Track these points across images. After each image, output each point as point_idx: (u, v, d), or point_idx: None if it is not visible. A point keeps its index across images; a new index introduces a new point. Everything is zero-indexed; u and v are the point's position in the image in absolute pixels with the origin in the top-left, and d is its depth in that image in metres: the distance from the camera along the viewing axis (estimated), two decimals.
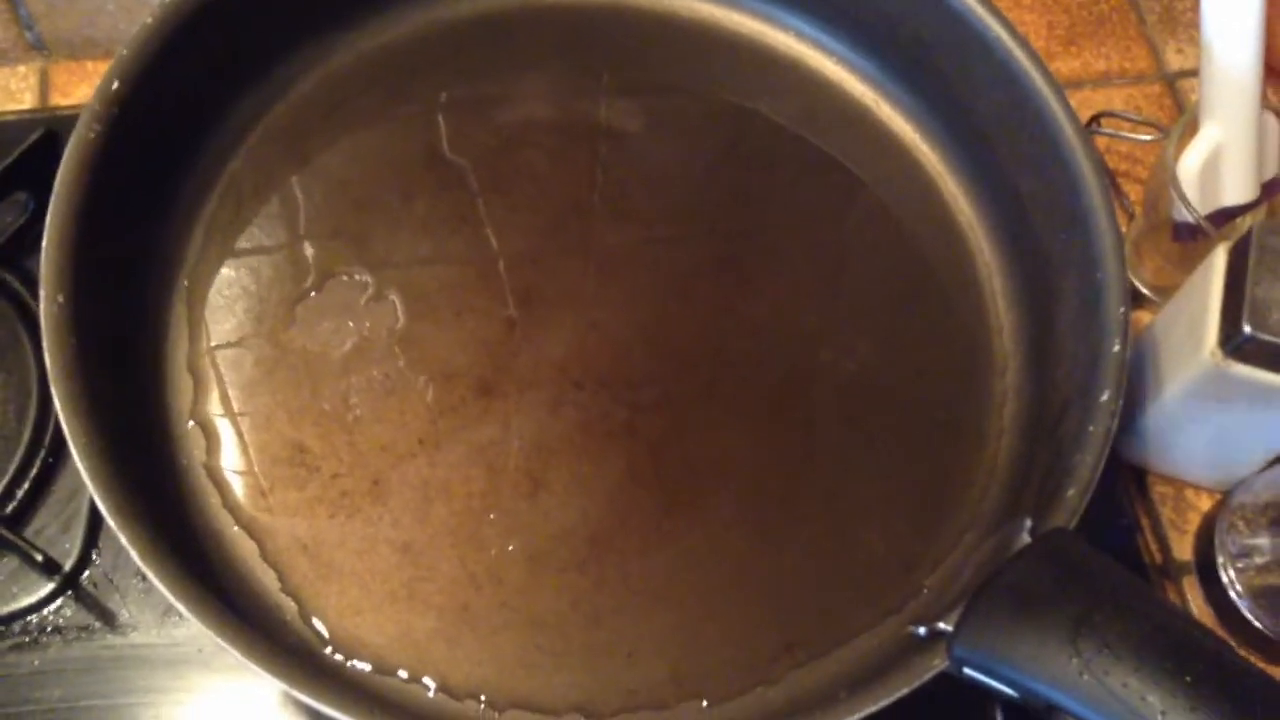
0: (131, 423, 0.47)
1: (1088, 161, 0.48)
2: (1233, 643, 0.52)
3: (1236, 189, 0.54)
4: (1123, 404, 0.45)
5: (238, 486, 0.49)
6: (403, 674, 0.45)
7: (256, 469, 0.49)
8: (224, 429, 0.50)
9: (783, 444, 0.51)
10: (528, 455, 0.49)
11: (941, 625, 0.39)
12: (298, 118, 0.57)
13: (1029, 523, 0.41)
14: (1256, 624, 0.51)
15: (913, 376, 0.52)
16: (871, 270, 0.55)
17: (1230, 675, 0.36)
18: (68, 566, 0.51)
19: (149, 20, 0.50)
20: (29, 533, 0.51)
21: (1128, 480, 0.56)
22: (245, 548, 0.47)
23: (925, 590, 0.47)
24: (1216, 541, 0.52)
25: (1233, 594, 0.51)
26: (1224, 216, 0.54)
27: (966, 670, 0.38)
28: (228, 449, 0.49)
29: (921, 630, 0.40)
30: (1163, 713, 0.35)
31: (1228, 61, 0.51)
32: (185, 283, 0.52)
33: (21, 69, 0.66)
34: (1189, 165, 0.53)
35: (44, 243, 0.46)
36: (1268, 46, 0.51)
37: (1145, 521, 0.55)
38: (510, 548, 0.48)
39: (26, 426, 0.53)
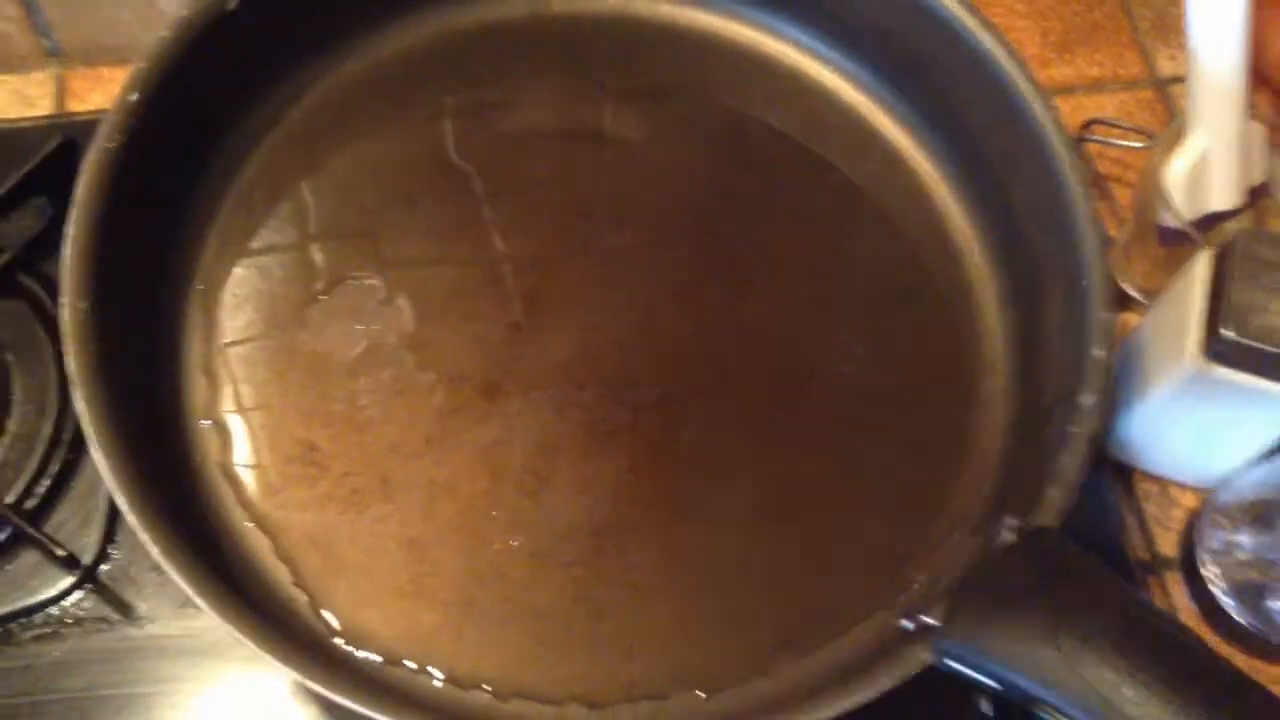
0: (148, 422, 0.49)
1: (1073, 171, 0.49)
2: (1215, 637, 0.53)
3: (1222, 195, 0.55)
4: (1110, 404, 0.46)
5: (251, 483, 0.50)
6: (410, 664, 0.47)
7: (269, 467, 0.50)
8: (237, 428, 0.51)
9: (780, 443, 0.52)
10: (531, 454, 0.51)
11: (928, 619, 0.41)
12: (309, 125, 0.58)
13: (1015, 521, 0.42)
14: (1238, 619, 0.52)
15: (906, 378, 0.54)
16: (867, 274, 0.56)
17: (1204, 669, 0.38)
18: (87, 560, 0.52)
19: (165, 34, 0.51)
20: (49, 528, 0.53)
21: (1114, 478, 0.57)
22: (258, 543, 0.49)
23: (915, 585, 0.48)
24: (1199, 538, 0.54)
25: (1215, 589, 0.53)
26: (1210, 222, 0.55)
27: (951, 663, 0.40)
28: (241, 447, 0.51)
29: (909, 624, 0.42)
30: (1137, 704, 0.36)
31: (1213, 70, 0.52)
32: (200, 286, 0.54)
33: (39, 75, 0.67)
34: (1176, 172, 0.54)
35: (64, 250, 0.47)
36: (1255, 55, 0.52)
37: (1131, 518, 0.57)
38: (514, 544, 0.49)
39: (46, 425, 0.55)
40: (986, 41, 0.52)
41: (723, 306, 0.55)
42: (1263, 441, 0.51)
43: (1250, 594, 0.52)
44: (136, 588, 0.52)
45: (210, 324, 0.53)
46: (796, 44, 0.60)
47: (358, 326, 0.53)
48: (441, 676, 0.47)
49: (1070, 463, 0.44)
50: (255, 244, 0.55)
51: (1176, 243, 0.56)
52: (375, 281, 0.55)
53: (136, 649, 0.51)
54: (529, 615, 0.48)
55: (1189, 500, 0.57)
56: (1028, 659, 0.38)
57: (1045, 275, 0.51)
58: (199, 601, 0.42)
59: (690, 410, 0.52)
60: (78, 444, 0.54)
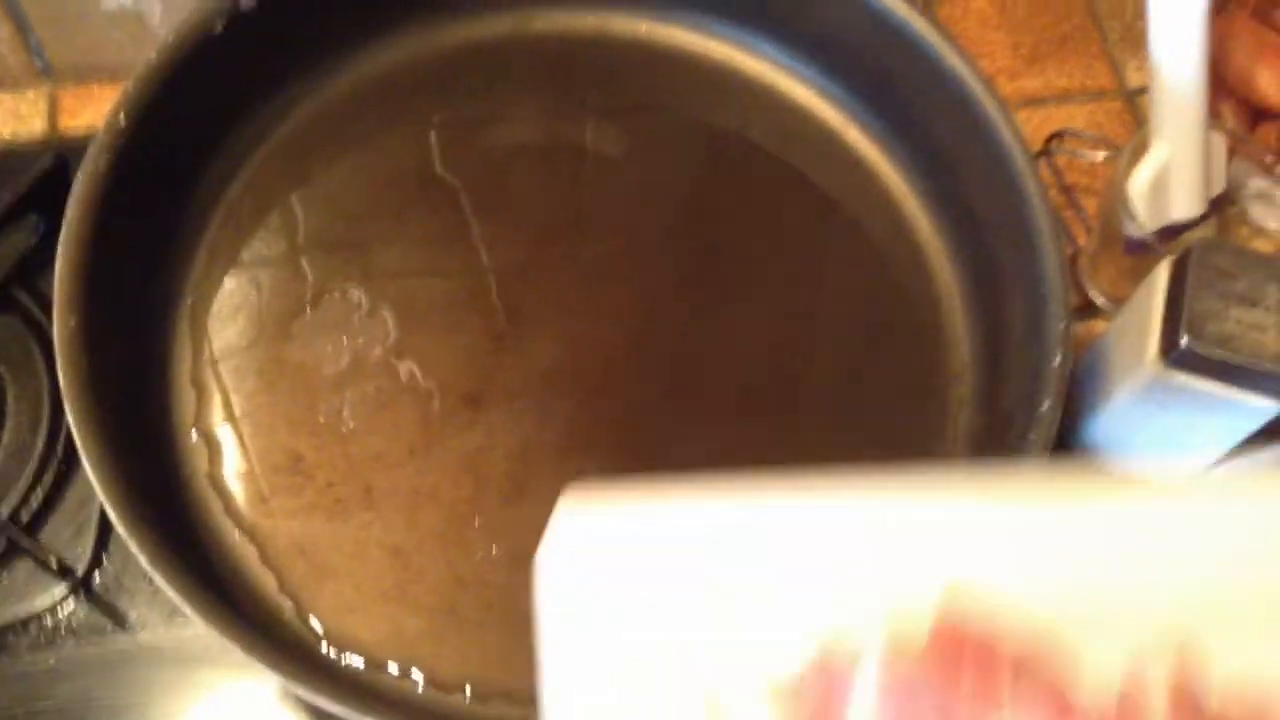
0: (139, 435, 0.50)
1: (1033, 185, 0.50)
2: None
3: (1184, 205, 0.56)
4: (1070, 411, 0.47)
5: (239, 494, 0.52)
6: (394, 669, 0.48)
7: (256, 477, 0.52)
8: (225, 439, 0.53)
9: (756, 450, 0.53)
10: (513, 462, 0.52)
11: None
12: (297, 141, 0.59)
13: None
14: None
15: (878, 387, 0.55)
16: (840, 284, 0.58)
17: None
18: (80, 570, 0.53)
19: (153, 56, 0.53)
20: (44, 539, 0.54)
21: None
22: (246, 551, 0.50)
23: None
24: None
25: None
26: (1172, 232, 0.56)
27: None
28: (229, 458, 0.52)
29: None
30: None
31: (1174, 81, 0.53)
32: (189, 300, 0.55)
33: (30, 94, 0.68)
34: (1139, 182, 0.55)
35: (57, 268, 0.48)
36: (1218, 65, 0.53)
37: None
38: (494, 550, 0.51)
39: (40, 438, 0.56)
40: (951, 59, 0.54)
41: (701, 317, 0.57)
42: (1221, 446, 0.52)
43: None
44: (129, 597, 0.53)
45: (199, 337, 0.55)
46: (772, 61, 0.62)
47: (344, 338, 0.55)
48: (424, 680, 0.48)
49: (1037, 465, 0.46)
50: (243, 258, 0.57)
51: (1141, 252, 0.57)
52: (361, 294, 0.56)
53: (129, 657, 0.52)
54: (509, 620, 0.49)
55: None
56: None
57: (1008, 285, 0.52)
58: (188, 610, 0.44)
59: (667, 417, 0.54)
60: (70, 456, 0.55)
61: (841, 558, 0.29)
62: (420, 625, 0.49)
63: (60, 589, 0.53)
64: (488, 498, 0.52)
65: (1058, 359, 0.47)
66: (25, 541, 0.53)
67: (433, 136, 0.60)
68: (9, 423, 0.56)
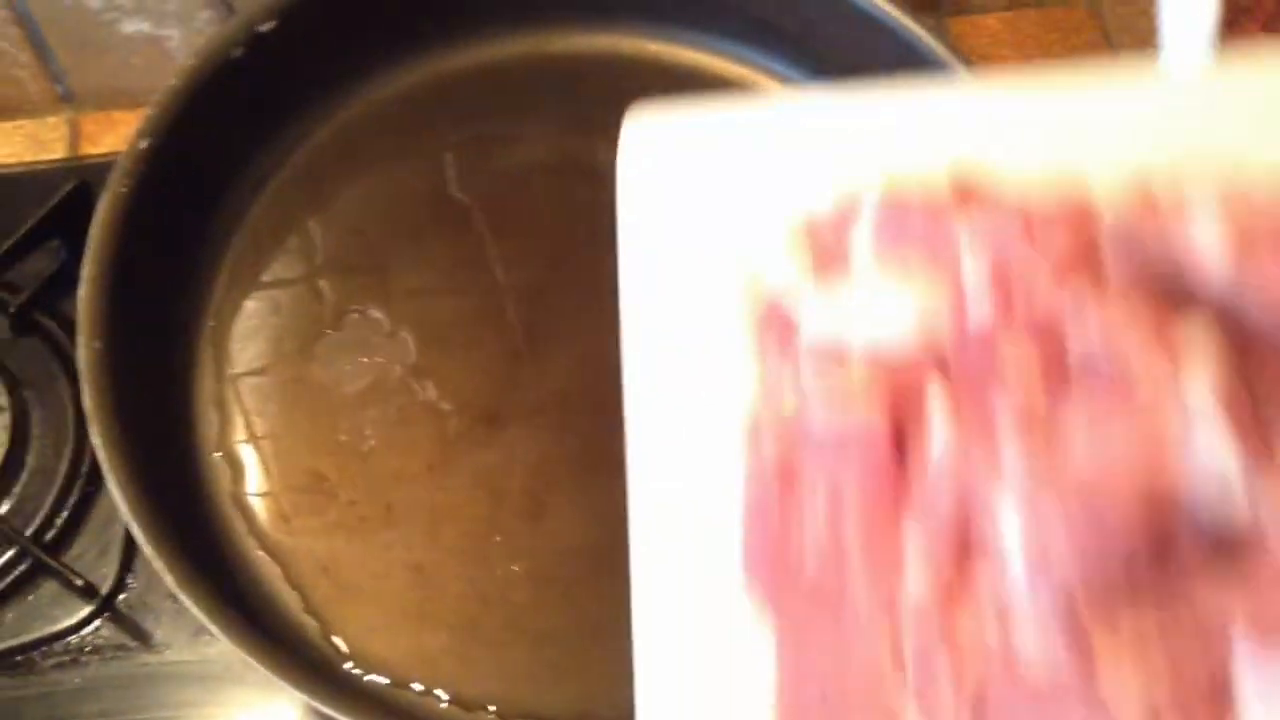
0: (162, 455, 0.51)
1: None
2: None
3: None
4: None
5: (262, 513, 0.52)
6: (417, 687, 0.49)
7: (279, 496, 0.52)
8: (248, 459, 0.53)
9: None
10: (531, 479, 0.53)
11: None
12: (314, 164, 0.60)
13: None
14: None
15: None
16: None
17: None
18: (105, 590, 0.54)
19: (173, 81, 0.53)
20: (68, 558, 0.54)
21: None
22: (269, 570, 0.51)
23: None
24: None
25: None
26: None
27: None
28: (252, 478, 0.53)
29: None
30: None
31: None
32: (211, 322, 0.56)
33: (52, 120, 0.69)
34: None
35: (80, 292, 0.49)
36: None
37: None
38: (515, 568, 0.51)
39: (64, 459, 0.56)
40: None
41: None
42: None
43: None
44: (153, 616, 0.54)
45: (221, 358, 0.55)
46: (781, 77, 0.62)
47: (364, 359, 0.55)
48: (447, 698, 0.48)
49: None
50: (264, 280, 0.57)
51: None
52: (380, 315, 0.57)
53: (153, 675, 0.53)
54: (532, 637, 0.49)
55: None
56: None
57: None
58: (213, 629, 0.44)
59: None
60: (95, 477, 0.56)
61: (864, 139, 0.33)
62: (443, 643, 0.49)
63: (85, 608, 0.54)
64: (507, 515, 0.52)
65: None
66: (50, 561, 0.53)
67: (448, 158, 0.61)
68: (34, 445, 0.57)
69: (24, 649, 0.53)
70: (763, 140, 0.35)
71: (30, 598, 0.54)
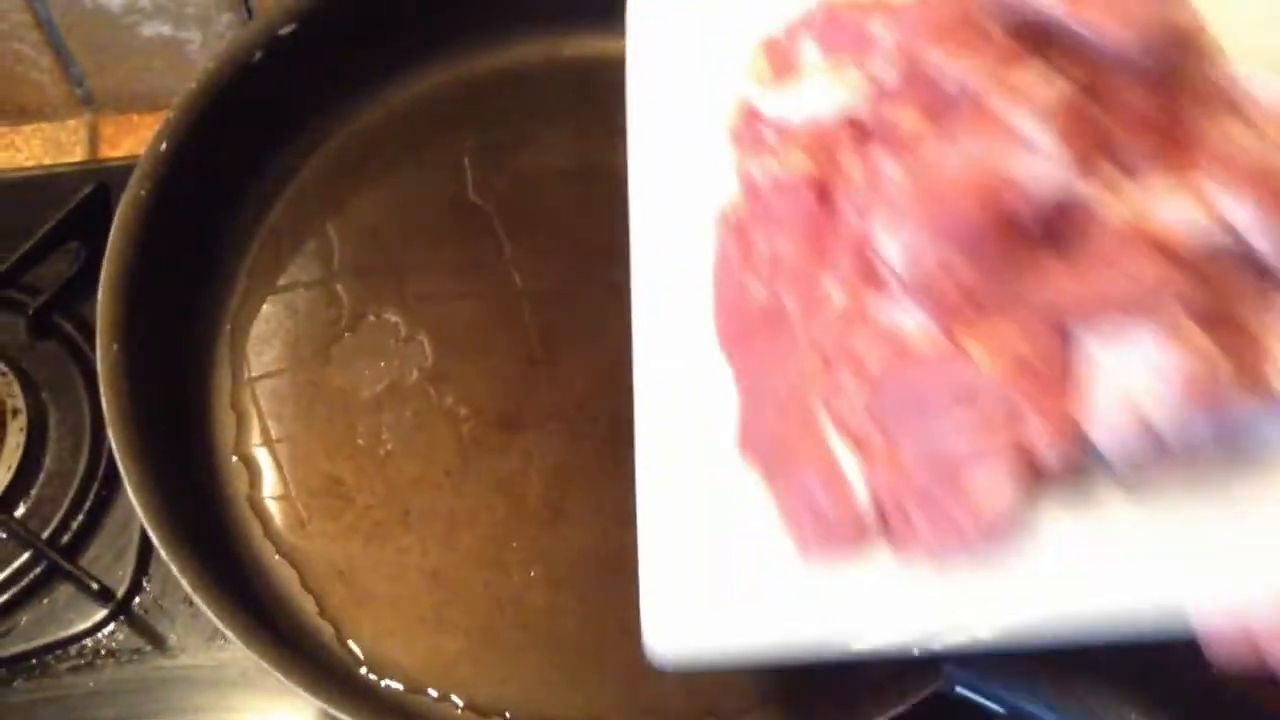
0: (179, 459, 0.51)
1: None
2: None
3: None
4: None
5: (278, 517, 0.52)
6: (432, 693, 0.48)
7: (295, 500, 0.52)
8: (265, 463, 0.53)
9: None
10: (548, 485, 0.52)
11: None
12: (333, 167, 0.60)
13: None
14: None
15: None
16: None
17: (1206, 695, 0.39)
18: (120, 593, 0.54)
19: (193, 85, 0.53)
20: (84, 561, 0.54)
21: None
22: (286, 575, 0.51)
23: None
24: None
25: None
26: None
27: (959, 688, 0.41)
28: (268, 482, 0.53)
29: (916, 649, 0.42)
30: None
31: None
32: (229, 326, 0.56)
33: (72, 123, 0.69)
34: None
35: (99, 295, 0.49)
36: None
37: None
38: (531, 573, 0.50)
39: (81, 461, 0.56)
40: None
41: None
42: None
43: None
44: (169, 619, 0.54)
45: (239, 361, 0.55)
46: None
47: (381, 363, 0.55)
48: (462, 704, 0.48)
49: None
50: (282, 284, 0.57)
51: None
52: (397, 319, 0.56)
53: (168, 679, 0.53)
54: (548, 642, 0.49)
55: None
56: (1037, 685, 0.39)
57: None
58: (229, 634, 0.44)
59: None
60: (111, 480, 0.56)
61: None
62: (459, 648, 0.49)
63: (100, 612, 0.54)
64: (524, 520, 0.52)
65: None
66: (66, 564, 0.53)
67: (466, 162, 0.61)
68: (51, 447, 0.57)
69: (39, 652, 0.53)
70: None
71: (45, 601, 0.54)
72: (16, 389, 0.57)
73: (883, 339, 0.32)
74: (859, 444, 0.33)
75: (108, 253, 0.50)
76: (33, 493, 0.56)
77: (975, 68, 0.31)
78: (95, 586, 0.53)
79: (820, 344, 0.34)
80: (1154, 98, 0.32)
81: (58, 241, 0.60)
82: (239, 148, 0.56)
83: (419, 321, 0.56)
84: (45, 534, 0.54)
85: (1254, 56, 0.33)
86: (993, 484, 0.31)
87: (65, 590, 0.54)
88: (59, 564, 0.53)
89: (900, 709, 0.42)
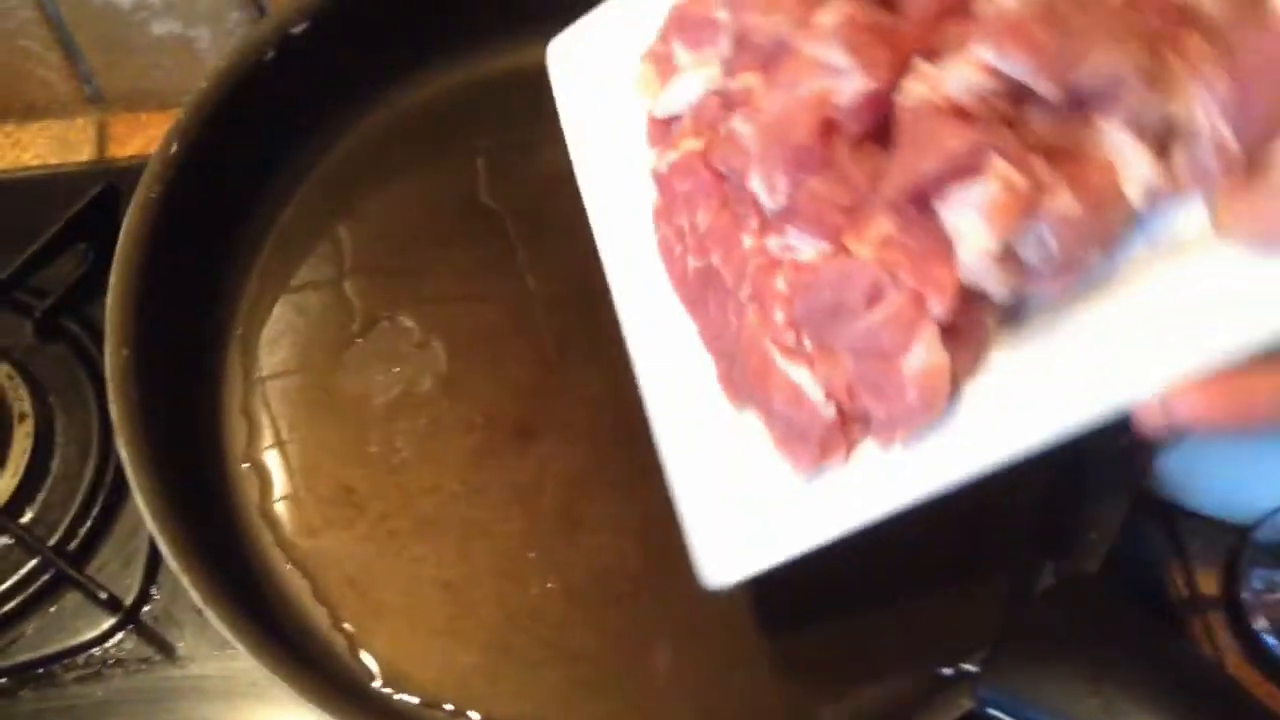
0: (189, 466, 0.50)
1: None
2: (1259, 677, 0.52)
3: None
4: (1150, 445, 0.46)
5: (289, 526, 0.51)
6: (448, 707, 0.47)
7: (307, 509, 0.51)
8: (276, 470, 0.52)
9: None
10: (564, 495, 0.51)
11: (967, 665, 0.41)
12: (344, 169, 0.59)
13: (1053, 566, 0.42)
14: None
15: None
16: None
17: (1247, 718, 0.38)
18: (128, 601, 0.53)
19: (204, 84, 0.52)
20: (91, 569, 0.53)
21: (1155, 516, 0.56)
22: (297, 585, 0.50)
23: (950, 627, 0.48)
24: (1242, 576, 0.53)
25: (1259, 628, 0.52)
26: None
27: (991, 711, 0.40)
28: (279, 489, 0.52)
29: (947, 670, 0.41)
30: None
31: None
32: (239, 330, 0.55)
33: (80, 121, 0.68)
34: None
35: (108, 299, 0.48)
36: None
37: (1172, 556, 0.56)
38: (549, 585, 0.49)
39: (88, 466, 0.55)
40: None
41: None
42: None
43: None
44: (177, 628, 0.53)
45: (249, 366, 0.54)
46: None
47: (394, 368, 0.54)
48: (478, 718, 0.47)
49: (1112, 506, 0.44)
50: (293, 287, 0.56)
51: None
52: (411, 323, 0.55)
53: (176, 689, 0.52)
54: (564, 657, 0.48)
55: (1230, 537, 0.56)
56: (1069, 708, 0.38)
57: None
58: (241, 647, 0.43)
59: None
60: (119, 486, 0.55)
61: None
62: (474, 662, 0.48)
63: (108, 620, 0.53)
64: (541, 531, 0.51)
65: None
66: (73, 573, 0.52)
67: (479, 163, 0.60)
68: (58, 452, 0.56)
69: (46, 661, 0.52)
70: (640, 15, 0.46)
71: (52, 609, 0.53)
72: (24, 392, 0.56)
73: (789, 269, 0.38)
74: (808, 363, 0.38)
75: (117, 256, 0.49)
76: (39, 498, 0.55)
77: (781, 20, 0.37)
78: (103, 595, 0.52)
79: (751, 292, 0.39)
80: None
81: (65, 243, 0.59)
82: (250, 148, 0.56)
83: (432, 326, 0.55)
84: (52, 541, 0.53)
85: None
86: (923, 362, 0.35)
87: (72, 598, 0.53)
88: (66, 572, 0.52)
89: None
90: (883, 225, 0.35)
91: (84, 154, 0.67)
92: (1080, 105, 0.33)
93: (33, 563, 0.53)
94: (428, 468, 0.52)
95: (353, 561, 0.50)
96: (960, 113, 0.33)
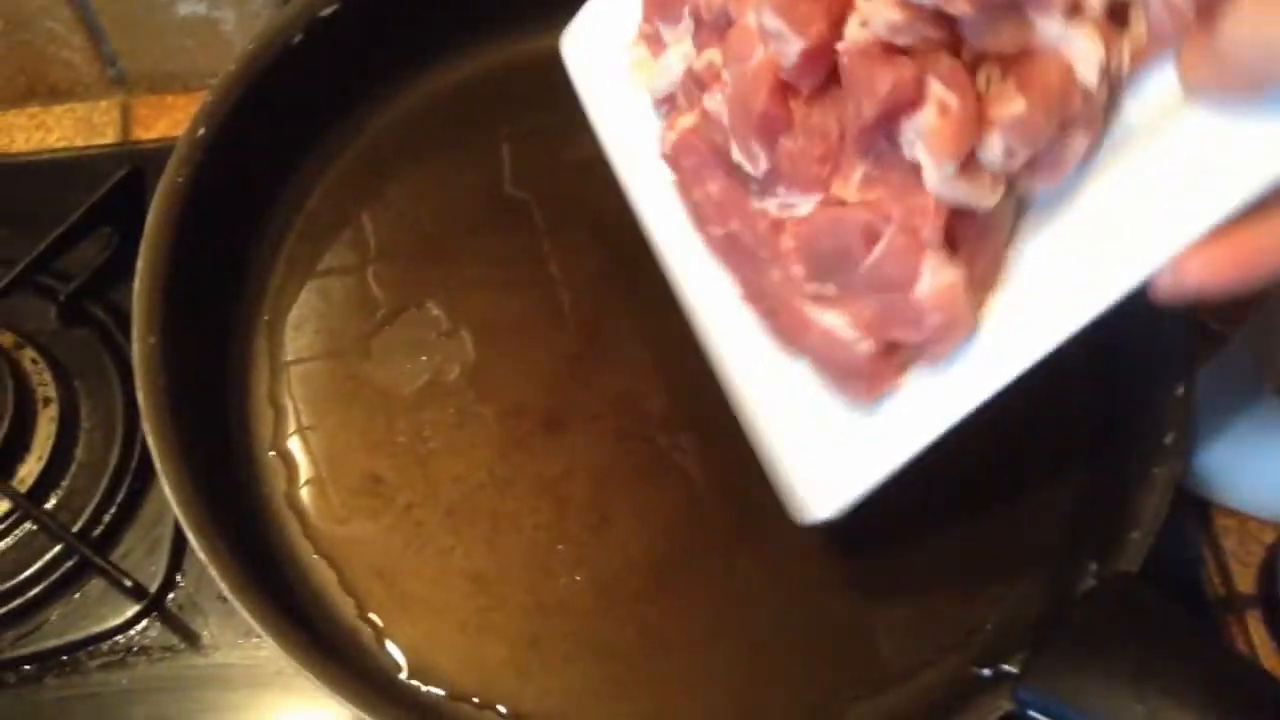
0: (216, 455, 0.49)
1: None
2: None
3: None
4: (1190, 441, 0.45)
5: (316, 515, 0.50)
6: (475, 700, 0.47)
7: (334, 499, 0.50)
8: (303, 459, 0.51)
9: None
10: (594, 487, 0.51)
11: (1006, 667, 0.40)
12: (372, 155, 0.59)
13: (1093, 565, 0.41)
14: None
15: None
16: None
17: None
18: (153, 588, 0.52)
19: (231, 67, 0.52)
20: (116, 556, 0.53)
21: (1191, 513, 0.56)
22: (324, 575, 0.49)
23: (988, 626, 0.47)
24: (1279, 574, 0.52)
25: None
26: None
27: (1031, 713, 0.39)
28: (306, 478, 0.51)
29: (986, 671, 0.41)
30: None
31: None
32: (266, 316, 0.54)
33: (104, 104, 0.68)
34: None
35: (135, 286, 0.48)
36: None
37: (1209, 554, 0.55)
38: (578, 578, 0.49)
39: (113, 453, 0.55)
40: None
41: None
42: None
43: None
44: (202, 616, 0.52)
45: (276, 354, 0.53)
46: None
47: (422, 357, 0.53)
48: (506, 712, 0.47)
49: (1151, 504, 0.43)
50: (319, 273, 0.56)
51: None
52: (439, 311, 0.55)
53: (201, 678, 0.51)
54: (594, 651, 0.47)
55: (1268, 535, 0.55)
56: (1111, 712, 0.37)
57: (1125, 310, 0.50)
58: (266, 636, 0.43)
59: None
60: (144, 471, 0.55)
61: None
62: (502, 655, 0.47)
63: (132, 608, 0.52)
64: (569, 523, 0.50)
65: (1181, 388, 0.44)
66: (97, 559, 0.52)
67: (505, 150, 0.59)
68: (83, 438, 0.56)
69: (70, 648, 0.52)
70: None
71: (76, 596, 0.53)
72: (48, 377, 0.56)
73: (791, 226, 0.40)
74: (835, 307, 0.40)
75: (144, 243, 0.48)
76: (64, 484, 0.55)
77: None
78: (128, 582, 0.51)
79: (769, 252, 0.41)
80: None
81: (90, 226, 0.58)
82: (277, 132, 0.55)
83: (460, 315, 0.54)
84: (76, 527, 0.53)
85: None
86: (933, 285, 0.37)
87: (96, 585, 0.53)
88: (90, 559, 0.52)
89: None
90: (860, 167, 0.37)
91: (108, 136, 0.67)
92: (1016, 7, 0.34)
93: (56, 549, 0.53)
94: (456, 458, 0.51)
95: (380, 552, 0.49)
96: (893, 50, 0.34)
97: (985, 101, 0.34)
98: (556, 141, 0.59)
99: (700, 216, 0.45)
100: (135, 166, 0.59)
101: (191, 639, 0.52)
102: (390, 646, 0.48)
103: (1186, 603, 0.53)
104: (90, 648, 0.52)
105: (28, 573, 0.52)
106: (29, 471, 0.54)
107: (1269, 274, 0.31)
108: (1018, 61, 0.34)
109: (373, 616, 0.48)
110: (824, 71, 0.37)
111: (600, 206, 0.57)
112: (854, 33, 0.34)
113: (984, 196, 0.36)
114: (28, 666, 0.51)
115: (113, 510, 0.54)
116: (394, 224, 0.57)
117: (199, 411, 0.49)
